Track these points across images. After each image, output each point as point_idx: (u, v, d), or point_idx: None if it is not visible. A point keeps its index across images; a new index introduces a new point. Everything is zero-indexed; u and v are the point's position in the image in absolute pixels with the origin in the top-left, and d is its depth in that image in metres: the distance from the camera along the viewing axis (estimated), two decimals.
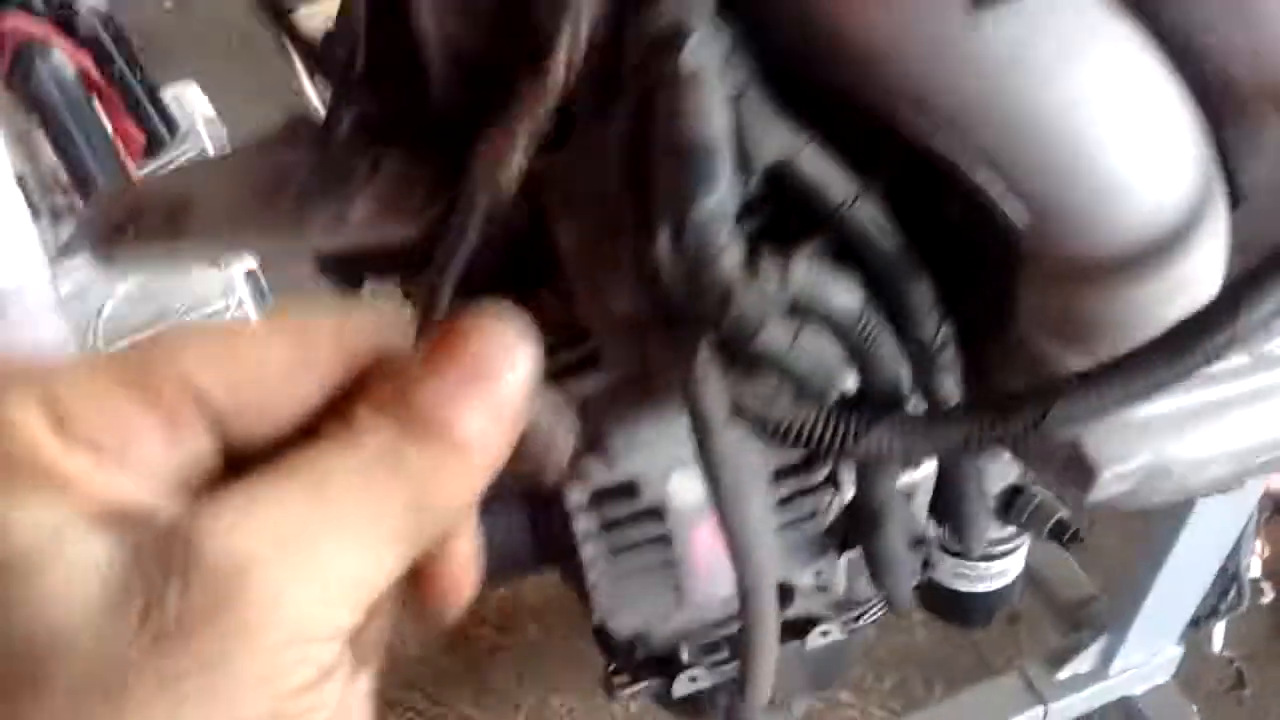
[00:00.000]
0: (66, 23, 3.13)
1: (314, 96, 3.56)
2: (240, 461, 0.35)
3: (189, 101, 3.52)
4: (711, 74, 0.57)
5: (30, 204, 2.92)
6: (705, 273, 0.57)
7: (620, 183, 0.61)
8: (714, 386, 0.60)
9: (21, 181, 2.91)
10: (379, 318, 0.38)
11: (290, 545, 0.31)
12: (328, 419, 0.35)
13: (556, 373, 0.77)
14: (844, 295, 0.61)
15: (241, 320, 0.46)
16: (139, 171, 3.25)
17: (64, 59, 2.95)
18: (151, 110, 3.35)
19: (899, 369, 0.64)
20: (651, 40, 0.57)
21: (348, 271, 0.92)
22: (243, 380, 0.35)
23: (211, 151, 3.39)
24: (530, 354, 0.37)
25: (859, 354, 0.62)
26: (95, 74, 3.11)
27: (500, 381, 0.36)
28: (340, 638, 0.33)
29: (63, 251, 2.80)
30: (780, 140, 0.64)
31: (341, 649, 0.33)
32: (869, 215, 0.66)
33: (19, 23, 2.94)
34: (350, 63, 1.10)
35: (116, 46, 3.23)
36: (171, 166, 3.35)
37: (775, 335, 0.60)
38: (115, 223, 0.91)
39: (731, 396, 0.62)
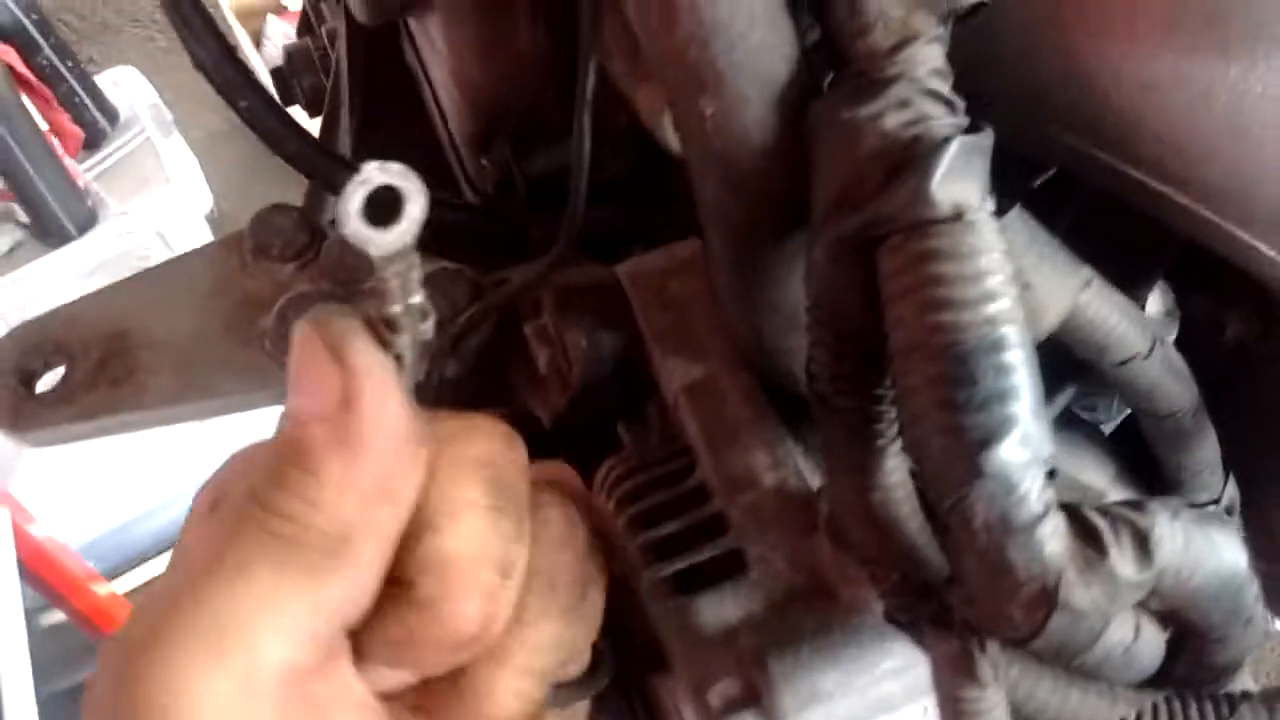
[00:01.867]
0: None
1: (259, 67, 3.31)
2: None
3: (128, 87, 3.25)
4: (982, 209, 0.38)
5: None
6: (1014, 557, 0.33)
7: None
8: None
9: None
10: None
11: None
12: None
13: (676, 579, 0.53)
14: (1226, 554, 0.36)
15: None
16: (81, 168, 3.00)
17: None
18: (88, 101, 3.08)
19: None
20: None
21: None
22: None
23: (157, 141, 3.12)
24: (329, 324, 0.37)
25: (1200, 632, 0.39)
26: (21, 67, 2.81)
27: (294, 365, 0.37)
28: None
29: None
30: (1065, 283, 0.40)
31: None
32: (1166, 363, 0.43)
33: None
34: (330, 122, 0.85)
35: (43, 35, 2.94)
36: (115, 159, 3.10)
37: (1115, 638, 0.36)
38: (26, 370, 0.65)
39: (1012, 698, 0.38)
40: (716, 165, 0.42)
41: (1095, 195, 0.54)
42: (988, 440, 0.35)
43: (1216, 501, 0.56)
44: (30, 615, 1.95)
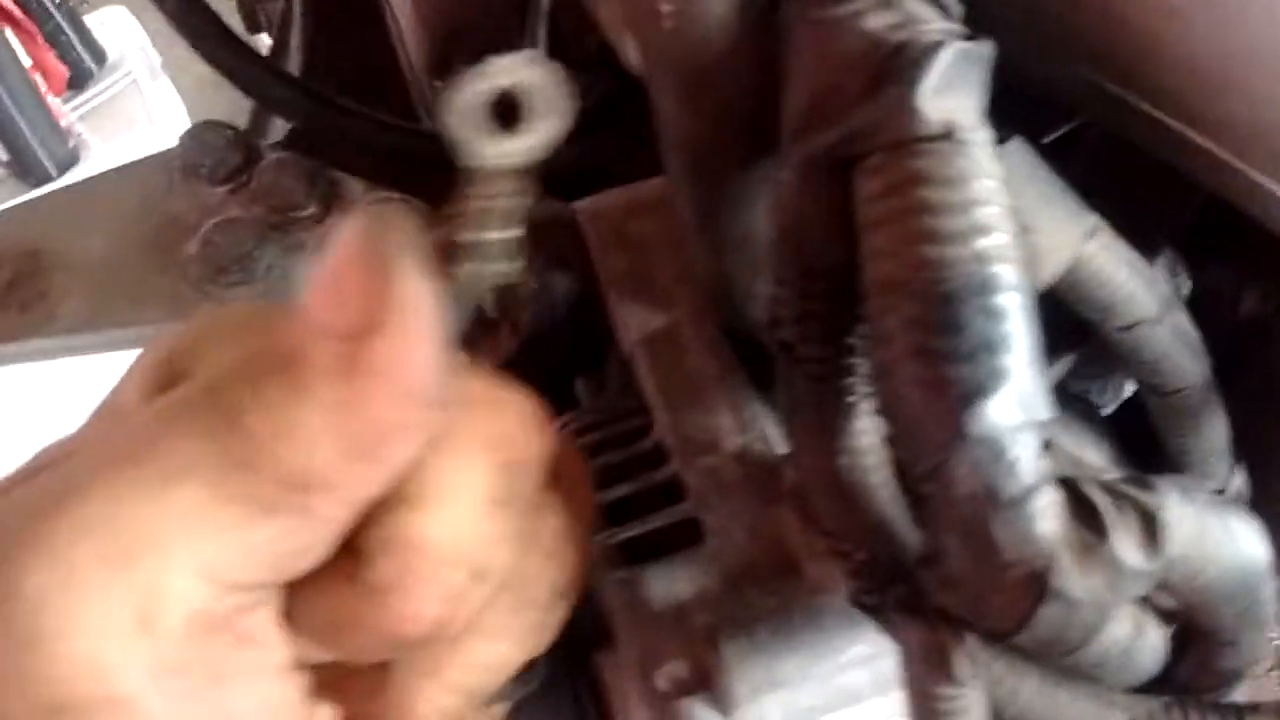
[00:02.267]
0: None
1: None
2: None
3: (117, 27, 3.18)
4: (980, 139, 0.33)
5: None
6: (1000, 535, 0.27)
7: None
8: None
9: None
10: None
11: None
12: None
13: (626, 547, 0.49)
14: (1245, 546, 0.31)
15: None
16: (64, 108, 2.94)
17: None
18: (75, 39, 3.02)
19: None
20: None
21: None
22: None
23: (144, 84, 3.07)
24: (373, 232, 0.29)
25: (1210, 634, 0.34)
26: (8, 2, 2.75)
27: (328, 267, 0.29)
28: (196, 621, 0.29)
29: None
30: (1069, 229, 0.34)
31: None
32: (1177, 331, 0.38)
33: None
34: (281, 39, 0.79)
35: None
36: (100, 100, 3.05)
37: (1114, 635, 0.30)
38: None
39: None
40: (675, 75, 0.37)
41: (1104, 140, 0.49)
42: (974, 396, 0.29)
43: (1222, 491, 0.51)
44: None
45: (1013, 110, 0.44)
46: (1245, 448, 0.51)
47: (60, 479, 0.29)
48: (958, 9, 0.34)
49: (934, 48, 0.32)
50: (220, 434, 0.28)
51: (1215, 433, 0.48)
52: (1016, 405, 0.30)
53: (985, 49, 0.33)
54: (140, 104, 3.05)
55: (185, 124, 2.63)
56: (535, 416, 0.35)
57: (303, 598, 0.31)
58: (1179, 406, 0.48)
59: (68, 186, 0.61)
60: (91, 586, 0.27)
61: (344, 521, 0.30)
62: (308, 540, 0.30)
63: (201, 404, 0.29)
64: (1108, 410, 0.60)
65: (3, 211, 0.62)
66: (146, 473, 0.28)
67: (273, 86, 0.58)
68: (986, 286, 0.30)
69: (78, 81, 3.06)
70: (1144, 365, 0.44)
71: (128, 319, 0.58)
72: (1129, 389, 0.60)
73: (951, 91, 0.32)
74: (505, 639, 0.35)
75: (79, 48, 3.05)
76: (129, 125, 2.99)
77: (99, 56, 3.12)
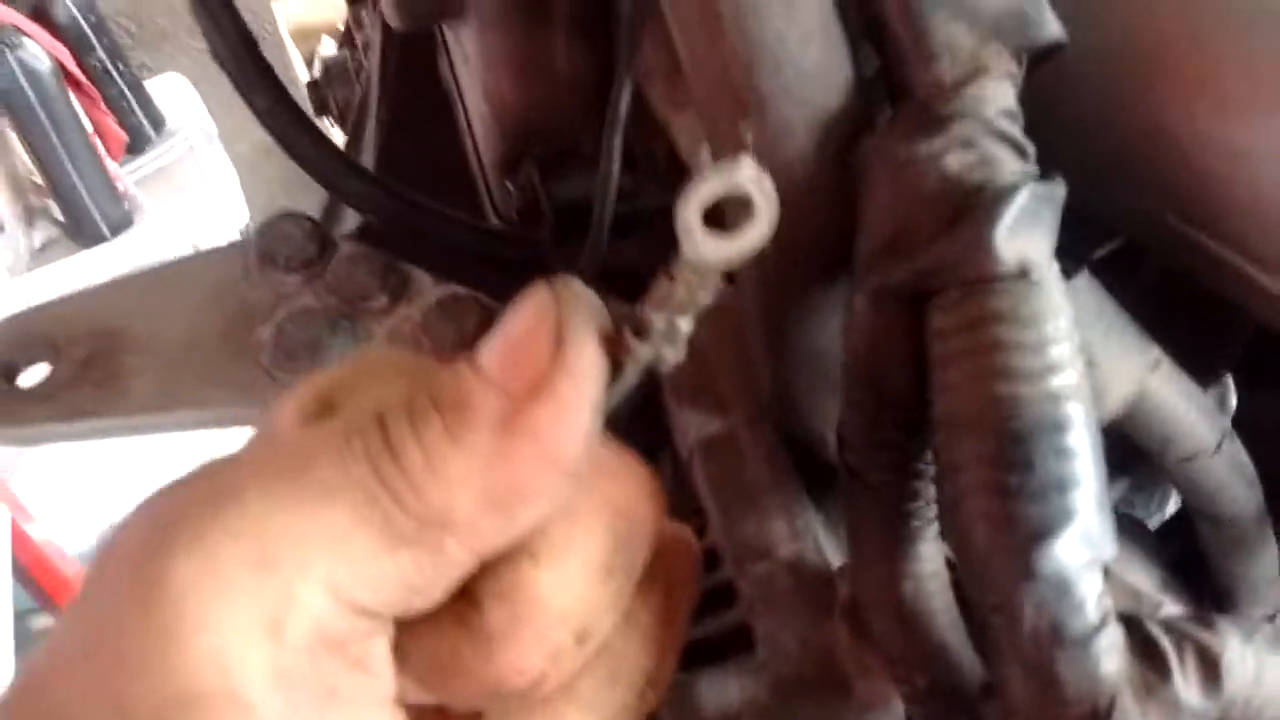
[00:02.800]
0: (43, 11, 2.85)
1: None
2: None
3: (177, 96, 3.26)
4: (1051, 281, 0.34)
5: None
6: (1064, 672, 0.28)
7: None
8: None
9: None
10: None
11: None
12: None
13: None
14: None
15: None
16: (121, 171, 3.01)
17: (38, 50, 2.67)
18: (135, 105, 3.09)
19: None
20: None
21: None
22: None
23: (199, 151, 3.13)
24: (566, 300, 0.32)
25: None
26: (73, 66, 2.82)
27: (508, 329, 0.32)
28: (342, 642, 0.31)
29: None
30: (1133, 362, 0.35)
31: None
32: (1233, 463, 0.39)
33: None
34: (356, 133, 0.82)
35: (97, 36, 2.96)
36: (156, 165, 3.11)
37: None
38: (9, 364, 0.61)
39: None
40: None
41: (1165, 269, 0.49)
42: (1043, 535, 0.30)
43: (1273, 617, 0.51)
44: (21, 617, 1.92)
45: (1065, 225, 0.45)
46: None
47: (217, 485, 0.30)
48: (1032, 150, 0.35)
49: (1010, 190, 0.33)
50: (376, 460, 0.30)
51: (1267, 559, 0.49)
52: (1083, 544, 0.30)
53: (1058, 190, 0.34)
54: (195, 170, 3.11)
55: (238, 192, 2.67)
56: (653, 489, 0.35)
57: (414, 636, 0.32)
58: (1232, 535, 0.48)
59: (147, 270, 0.63)
60: (233, 586, 0.28)
61: (468, 567, 0.31)
62: (432, 578, 0.31)
63: (362, 430, 0.30)
64: (1154, 523, 0.60)
65: (83, 291, 0.64)
66: (300, 487, 0.29)
67: (350, 180, 0.60)
68: (1058, 425, 0.31)
69: (136, 146, 3.11)
70: (1201, 496, 0.45)
71: (198, 400, 0.59)
72: (1175, 502, 0.60)
73: (1026, 232, 0.33)
74: (594, 711, 0.35)
75: (139, 113, 3.12)
76: (183, 190, 3.05)
77: (157, 122, 3.19)
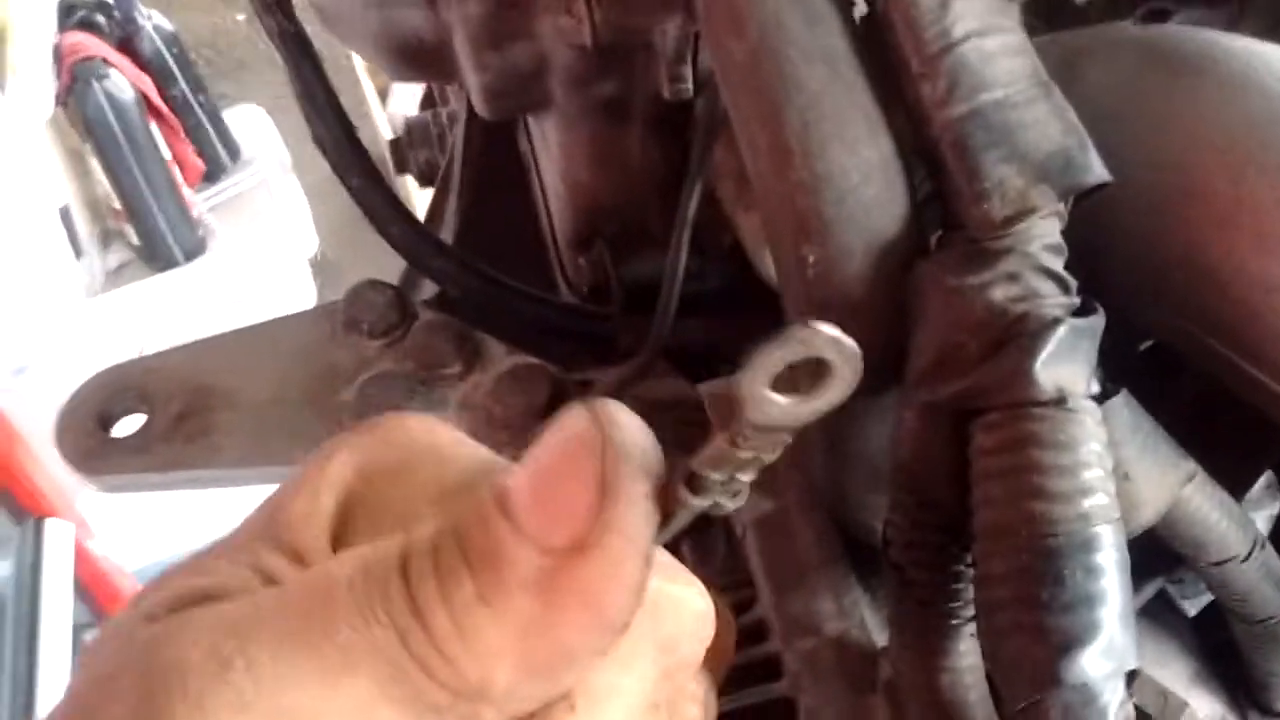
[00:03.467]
0: (129, 43, 2.95)
1: (382, 124, 3.39)
2: None
3: (253, 126, 3.35)
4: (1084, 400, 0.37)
5: (72, 232, 2.76)
6: None
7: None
8: None
9: (65, 211, 2.75)
10: None
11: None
12: None
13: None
14: None
15: None
16: (197, 198, 3.09)
17: (123, 81, 2.77)
18: (213, 134, 3.19)
19: None
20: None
21: None
22: None
23: (273, 181, 3.21)
24: (617, 441, 0.27)
25: None
26: (156, 97, 2.92)
27: (549, 472, 0.27)
28: None
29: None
30: (1168, 476, 0.38)
31: None
32: (1265, 568, 0.41)
33: (79, 42, 2.76)
34: (438, 202, 0.86)
35: (180, 68, 3.06)
36: (231, 194, 3.19)
37: None
38: (106, 414, 0.66)
39: None
40: (813, 312, 0.41)
41: (1205, 382, 0.52)
42: (1070, 646, 0.33)
43: None
44: (78, 631, 1.97)
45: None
46: None
47: (226, 629, 0.27)
48: (1074, 283, 0.38)
49: (1053, 323, 0.36)
50: (401, 626, 0.26)
51: None
52: (1107, 656, 0.33)
53: (1097, 323, 0.37)
54: (268, 199, 3.18)
55: (308, 222, 2.72)
56: (708, 616, 0.32)
57: None
58: (1265, 634, 0.50)
59: (239, 330, 0.67)
60: None
61: None
62: None
63: (384, 584, 0.27)
64: (1195, 606, 0.62)
65: (177, 347, 0.68)
66: (319, 654, 0.26)
67: (431, 256, 0.64)
68: (1089, 545, 0.34)
69: (212, 175, 3.20)
70: (1232, 597, 0.47)
71: (285, 458, 0.63)
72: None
73: (1065, 362, 0.36)
74: None
75: (216, 143, 3.21)
76: (255, 219, 3.12)
77: (234, 152, 3.28)
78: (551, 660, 0.27)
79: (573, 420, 0.27)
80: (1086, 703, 0.33)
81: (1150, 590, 0.51)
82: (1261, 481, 0.60)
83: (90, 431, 0.66)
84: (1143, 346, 0.55)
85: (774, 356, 0.26)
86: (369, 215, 0.61)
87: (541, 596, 0.26)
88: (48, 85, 2.70)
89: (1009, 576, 0.34)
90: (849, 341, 0.26)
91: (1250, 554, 0.45)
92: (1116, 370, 0.42)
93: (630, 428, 0.27)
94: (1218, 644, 0.57)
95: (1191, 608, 0.61)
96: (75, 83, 2.72)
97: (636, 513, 0.26)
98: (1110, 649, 0.33)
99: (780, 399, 0.26)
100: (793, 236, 0.40)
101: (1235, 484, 0.47)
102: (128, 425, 0.68)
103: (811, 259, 0.40)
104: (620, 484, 0.26)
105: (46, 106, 2.69)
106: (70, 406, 0.67)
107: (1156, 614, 0.58)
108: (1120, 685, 0.34)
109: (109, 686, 0.27)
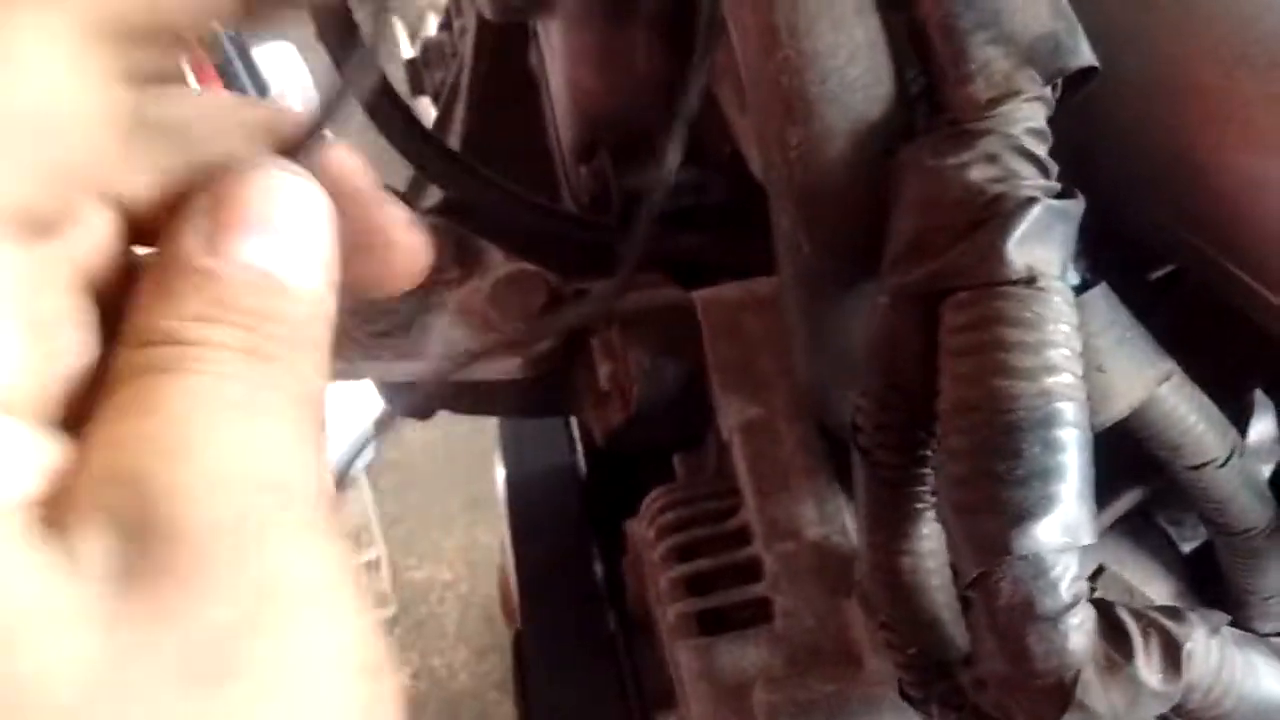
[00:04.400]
0: None
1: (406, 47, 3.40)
2: None
3: (283, 64, 3.35)
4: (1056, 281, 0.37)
5: None
6: (1033, 645, 0.31)
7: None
8: None
9: None
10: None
11: None
12: None
13: (700, 618, 0.52)
14: (1267, 681, 0.33)
15: None
16: None
17: None
18: (242, 71, 3.18)
19: None
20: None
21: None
22: None
23: None
24: None
25: None
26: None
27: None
28: None
29: None
30: (1143, 372, 0.38)
31: None
32: (1244, 475, 0.41)
33: None
34: (446, 113, 0.86)
35: None
36: None
37: None
38: None
39: None
40: (795, 198, 0.41)
41: (1201, 290, 0.52)
42: (1024, 517, 0.33)
43: None
44: None
45: (1122, 248, 0.48)
46: None
47: None
48: (1055, 168, 0.38)
49: (1027, 202, 0.36)
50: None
51: (1278, 575, 0.50)
52: (1061, 529, 0.33)
53: (1074, 206, 0.37)
54: None
55: None
56: None
57: None
58: (1244, 548, 0.50)
59: None
60: None
61: None
62: None
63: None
64: (1188, 547, 0.61)
65: None
66: None
67: (433, 158, 0.64)
68: (1048, 421, 0.34)
69: None
70: (1210, 505, 0.47)
71: None
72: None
73: (1038, 242, 0.36)
74: None
75: (245, 80, 3.20)
76: None
77: (262, 89, 3.27)
78: None
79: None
80: (1038, 574, 0.33)
81: (1130, 499, 0.51)
82: (1261, 434, 0.60)
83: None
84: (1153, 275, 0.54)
85: None
86: (371, 115, 0.61)
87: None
88: None
89: (968, 452, 0.34)
90: None
91: (1229, 459, 0.45)
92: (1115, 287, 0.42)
93: None
94: (1204, 577, 0.57)
95: (1188, 546, 0.61)
96: None
97: None
98: (1065, 523, 0.33)
99: None
100: (778, 119, 0.40)
101: (1229, 390, 0.47)
102: None
103: (795, 140, 0.40)
104: None
105: None
106: None
107: (1141, 533, 0.58)
108: (1074, 560, 0.34)
109: None
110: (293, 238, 0.27)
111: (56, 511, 0.23)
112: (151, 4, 0.25)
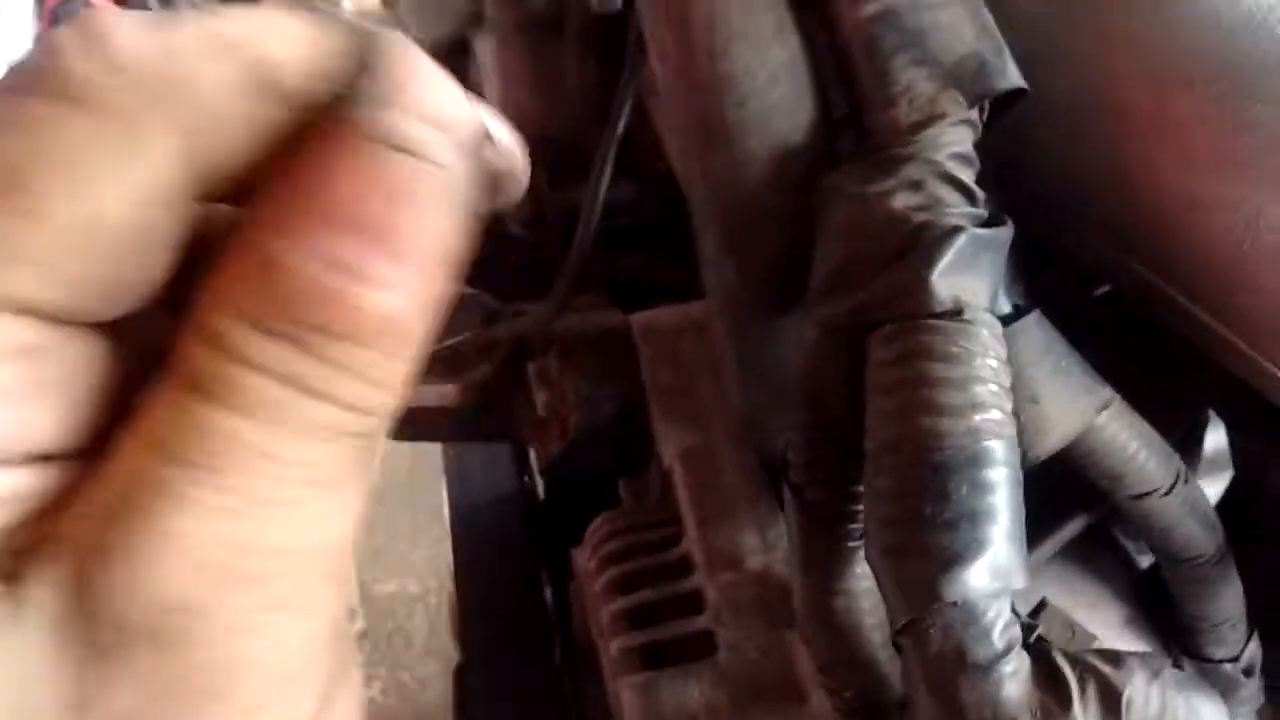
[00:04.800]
0: None
1: None
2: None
3: None
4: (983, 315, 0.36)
5: None
6: (966, 696, 0.30)
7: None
8: None
9: None
10: None
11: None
12: None
13: (643, 651, 0.51)
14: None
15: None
16: None
17: None
18: None
19: None
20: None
21: None
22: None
23: None
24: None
25: None
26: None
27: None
28: None
29: None
30: (1080, 402, 0.36)
31: None
32: (1188, 503, 0.40)
33: None
34: None
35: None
36: None
37: None
38: None
39: None
40: (716, 223, 0.40)
41: (1142, 315, 0.50)
42: (953, 562, 0.31)
43: (1235, 659, 0.51)
44: None
45: (1058, 269, 0.46)
46: (1267, 618, 0.52)
47: None
48: (981, 195, 0.36)
49: (952, 231, 0.34)
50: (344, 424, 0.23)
51: (1228, 602, 0.49)
52: (992, 574, 0.32)
53: (1002, 234, 0.36)
54: None
55: None
56: None
57: None
58: (1191, 575, 0.49)
59: None
60: None
61: None
62: None
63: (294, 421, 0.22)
64: (1146, 561, 0.60)
65: None
66: None
67: None
68: (976, 460, 0.32)
69: None
70: (1154, 534, 0.46)
71: None
72: None
73: (964, 272, 0.34)
74: None
75: None
76: None
77: None
78: None
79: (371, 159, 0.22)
80: (968, 622, 0.31)
81: (1074, 527, 0.50)
82: (1214, 445, 0.59)
83: None
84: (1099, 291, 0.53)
85: None
86: None
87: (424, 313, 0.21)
88: (28, 27, 2.67)
89: (895, 493, 0.33)
90: None
91: (1173, 487, 0.43)
92: (1054, 309, 0.41)
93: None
94: (1161, 595, 0.56)
95: (1145, 561, 0.60)
96: (56, 24, 2.69)
97: None
98: (996, 567, 0.32)
99: None
100: (699, 143, 0.39)
101: (1168, 418, 0.46)
102: None
103: (716, 165, 0.38)
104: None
105: (26, 47, 2.65)
106: None
107: (1092, 556, 0.57)
108: (1006, 606, 0.32)
109: None
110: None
111: (20, 546, 0.21)
112: (249, 163, 0.22)
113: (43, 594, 0.21)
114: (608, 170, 0.48)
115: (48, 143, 0.21)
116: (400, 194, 0.22)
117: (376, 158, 0.22)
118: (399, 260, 0.22)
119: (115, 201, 0.21)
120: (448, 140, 0.22)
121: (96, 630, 0.21)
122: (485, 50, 0.63)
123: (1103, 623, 0.54)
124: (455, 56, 0.75)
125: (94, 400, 0.24)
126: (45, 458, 0.23)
